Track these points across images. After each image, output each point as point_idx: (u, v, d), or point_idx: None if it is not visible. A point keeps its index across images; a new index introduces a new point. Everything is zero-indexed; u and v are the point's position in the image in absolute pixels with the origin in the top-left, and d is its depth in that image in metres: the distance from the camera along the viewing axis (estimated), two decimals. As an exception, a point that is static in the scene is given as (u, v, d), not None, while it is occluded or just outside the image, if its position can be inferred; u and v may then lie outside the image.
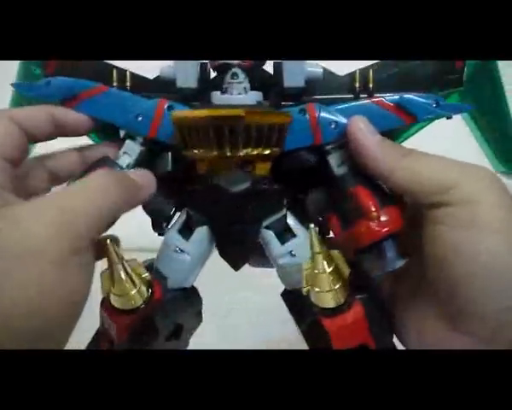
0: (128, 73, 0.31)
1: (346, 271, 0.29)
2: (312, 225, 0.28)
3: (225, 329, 0.61)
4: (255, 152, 0.28)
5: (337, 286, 0.28)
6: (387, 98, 0.29)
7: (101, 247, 0.27)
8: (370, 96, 0.30)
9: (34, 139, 0.29)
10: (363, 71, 0.30)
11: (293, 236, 0.31)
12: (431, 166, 0.27)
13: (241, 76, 0.29)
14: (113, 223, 0.28)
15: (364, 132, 0.28)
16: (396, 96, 0.29)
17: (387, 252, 0.29)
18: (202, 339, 0.55)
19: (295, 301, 0.32)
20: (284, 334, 0.35)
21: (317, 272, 0.28)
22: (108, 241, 0.27)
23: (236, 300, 0.62)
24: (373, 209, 0.28)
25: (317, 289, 0.28)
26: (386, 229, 0.28)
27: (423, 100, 0.29)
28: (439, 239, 0.26)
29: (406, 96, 0.29)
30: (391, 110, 0.29)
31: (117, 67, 0.31)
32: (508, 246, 0.24)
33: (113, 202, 0.25)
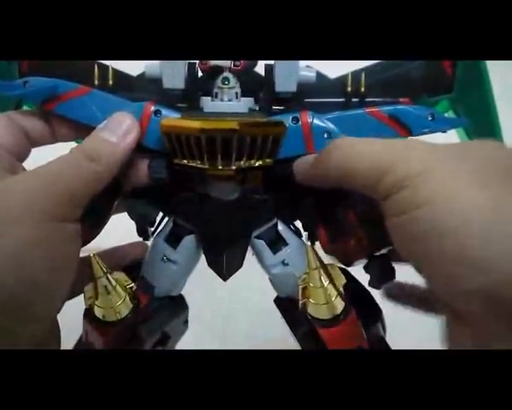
0: (110, 70, 0.30)
1: (342, 281, 0.28)
2: (309, 243, 0.27)
3: (225, 329, 0.61)
4: (247, 164, 0.27)
5: (333, 298, 0.28)
6: (382, 109, 0.28)
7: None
8: (362, 100, 0.29)
9: (33, 142, 0.29)
10: (355, 74, 0.30)
11: (285, 244, 0.31)
12: (362, 158, 0.24)
13: (233, 81, 0.28)
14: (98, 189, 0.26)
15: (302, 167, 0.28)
16: (391, 107, 0.28)
17: (371, 272, 0.28)
18: (202, 339, 0.56)
19: (289, 308, 0.32)
20: (284, 334, 0.34)
21: (312, 285, 0.28)
22: (92, 254, 0.27)
23: (236, 300, 0.61)
24: (359, 230, 0.27)
25: (313, 302, 0.28)
26: (370, 251, 0.28)
27: (419, 112, 0.28)
28: (392, 230, 0.24)
29: (401, 107, 0.28)
30: (385, 121, 0.28)
31: (98, 63, 0.30)
32: (455, 221, 0.20)
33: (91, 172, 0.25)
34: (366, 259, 0.29)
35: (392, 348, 0.31)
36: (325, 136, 0.28)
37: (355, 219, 0.27)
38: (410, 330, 0.55)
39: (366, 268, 0.30)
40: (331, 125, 0.28)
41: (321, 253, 0.28)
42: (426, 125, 0.28)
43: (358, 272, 0.33)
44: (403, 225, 0.22)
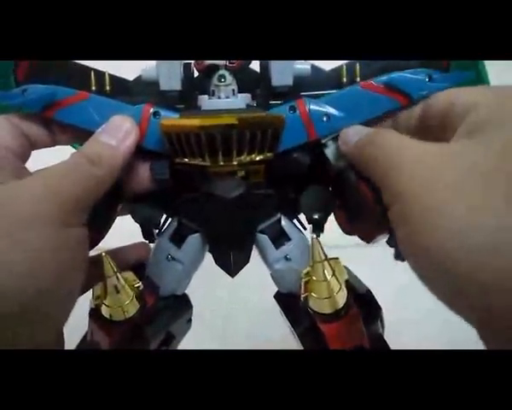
0: (107, 76, 0.30)
1: (344, 277, 0.29)
2: (315, 236, 0.27)
3: (225, 329, 0.61)
4: (248, 159, 0.27)
5: (335, 293, 0.28)
6: (376, 80, 0.28)
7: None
8: None
9: (33, 145, 0.29)
10: (350, 65, 0.30)
11: (288, 239, 0.31)
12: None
13: (229, 78, 0.28)
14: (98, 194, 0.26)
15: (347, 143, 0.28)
16: (384, 77, 0.28)
17: (395, 245, 0.28)
18: (202, 339, 0.56)
19: (290, 303, 0.32)
20: (284, 334, 0.35)
21: (315, 279, 0.28)
22: (104, 253, 0.27)
23: (236, 299, 0.61)
24: (376, 205, 0.27)
25: (315, 296, 0.28)
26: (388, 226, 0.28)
27: (414, 75, 0.27)
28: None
29: (395, 74, 0.28)
30: (381, 92, 0.28)
31: (95, 69, 0.30)
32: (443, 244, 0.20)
33: (94, 176, 0.25)
34: (388, 233, 0.29)
35: (391, 347, 0.31)
36: (324, 119, 0.28)
37: (371, 197, 0.27)
38: (410, 329, 0.55)
39: (389, 242, 0.30)
40: (329, 108, 0.28)
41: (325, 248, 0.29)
42: (424, 87, 0.27)
43: (359, 269, 0.33)
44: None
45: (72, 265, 0.25)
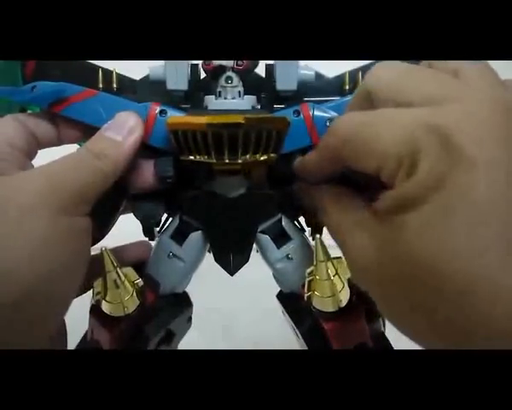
0: (114, 74, 0.30)
1: (347, 275, 0.29)
2: (318, 235, 0.28)
3: (226, 329, 0.61)
4: (253, 159, 0.27)
5: (339, 291, 0.28)
6: None
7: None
8: None
9: (40, 144, 0.30)
10: (353, 73, 0.30)
11: (289, 239, 0.32)
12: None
13: (236, 80, 0.29)
14: (104, 187, 0.27)
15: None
16: None
17: None
18: (202, 339, 0.56)
19: (292, 303, 0.32)
20: (284, 334, 0.35)
21: (319, 278, 0.28)
22: (104, 248, 0.27)
23: (237, 299, 0.61)
24: None
25: (318, 295, 0.28)
26: None
27: None
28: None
29: None
30: None
31: (102, 68, 0.30)
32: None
33: (98, 169, 0.26)
34: None
35: (392, 344, 0.31)
36: (327, 124, 0.29)
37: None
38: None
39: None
40: (333, 113, 0.29)
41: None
42: None
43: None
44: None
45: (76, 254, 0.25)
